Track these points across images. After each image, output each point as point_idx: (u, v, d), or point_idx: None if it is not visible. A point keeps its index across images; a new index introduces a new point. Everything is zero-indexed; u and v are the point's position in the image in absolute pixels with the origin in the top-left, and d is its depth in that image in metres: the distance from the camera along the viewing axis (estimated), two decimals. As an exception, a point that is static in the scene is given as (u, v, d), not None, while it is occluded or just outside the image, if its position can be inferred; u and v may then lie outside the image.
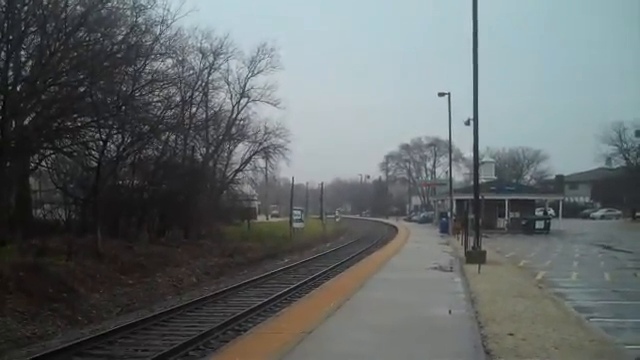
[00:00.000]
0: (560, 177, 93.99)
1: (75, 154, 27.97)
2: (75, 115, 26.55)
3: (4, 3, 23.12)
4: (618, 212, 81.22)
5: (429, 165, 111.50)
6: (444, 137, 61.38)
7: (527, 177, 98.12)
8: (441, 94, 44.37)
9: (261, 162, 54.66)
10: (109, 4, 27.04)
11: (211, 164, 45.12)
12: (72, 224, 28.40)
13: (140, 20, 28.32)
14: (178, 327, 14.87)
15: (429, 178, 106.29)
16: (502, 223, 54.68)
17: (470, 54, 23.85)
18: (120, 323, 15.07)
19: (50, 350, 12.10)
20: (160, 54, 30.64)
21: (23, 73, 25.15)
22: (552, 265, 25.60)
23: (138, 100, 29.11)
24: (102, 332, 13.77)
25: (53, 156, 28.18)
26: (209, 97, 44.65)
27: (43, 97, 24.96)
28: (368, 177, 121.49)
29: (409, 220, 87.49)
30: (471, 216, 27.99)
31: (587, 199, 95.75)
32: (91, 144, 27.71)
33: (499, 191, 54.68)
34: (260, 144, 51.56)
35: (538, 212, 59.61)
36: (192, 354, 11.99)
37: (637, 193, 72.67)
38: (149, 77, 29.78)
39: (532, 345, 9.30)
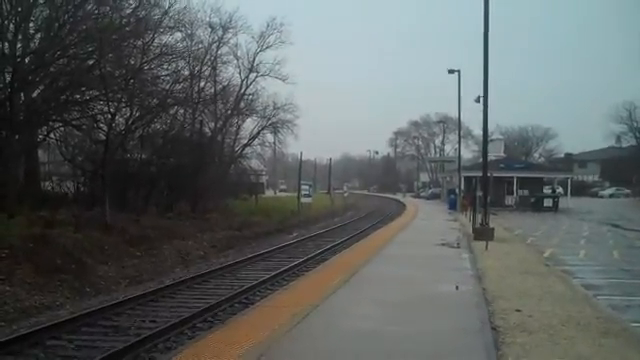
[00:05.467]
0: (569, 155, 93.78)
1: (83, 127, 28.00)
2: (83, 88, 26.50)
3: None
4: (627, 191, 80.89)
5: (438, 142, 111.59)
6: (453, 114, 61.04)
7: (536, 155, 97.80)
8: (451, 71, 43.93)
9: (269, 137, 54.60)
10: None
11: (219, 139, 45.05)
12: (80, 196, 28.52)
13: (149, -7, 28.20)
14: (186, 299, 14.95)
15: (438, 155, 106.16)
16: (510, 200, 54.60)
17: (481, 31, 23.78)
18: (128, 295, 15.18)
19: (58, 320, 12.18)
20: (169, 28, 30.54)
21: (32, 45, 25.09)
22: (560, 243, 25.56)
23: (147, 74, 29.06)
24: (110, 303, 13.87)
25: (62, 129, 28.22)
26: (218, 71, 44.44)
27: (51, 69, 24.90)
28: (377, 153, 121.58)
29: (417, 196, 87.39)
30: (479, 193, 27.88)
31: (596, 178, 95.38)
32: (99, 117, 27.69)
33: (508, 168, 54.42)
34: (268, 119, 51.39)
35: (546, 190, 59.40)
36: (199, 326, 12.04)
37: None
38: (158, 51, 29.66)
39: (539, 322, 9.31)
